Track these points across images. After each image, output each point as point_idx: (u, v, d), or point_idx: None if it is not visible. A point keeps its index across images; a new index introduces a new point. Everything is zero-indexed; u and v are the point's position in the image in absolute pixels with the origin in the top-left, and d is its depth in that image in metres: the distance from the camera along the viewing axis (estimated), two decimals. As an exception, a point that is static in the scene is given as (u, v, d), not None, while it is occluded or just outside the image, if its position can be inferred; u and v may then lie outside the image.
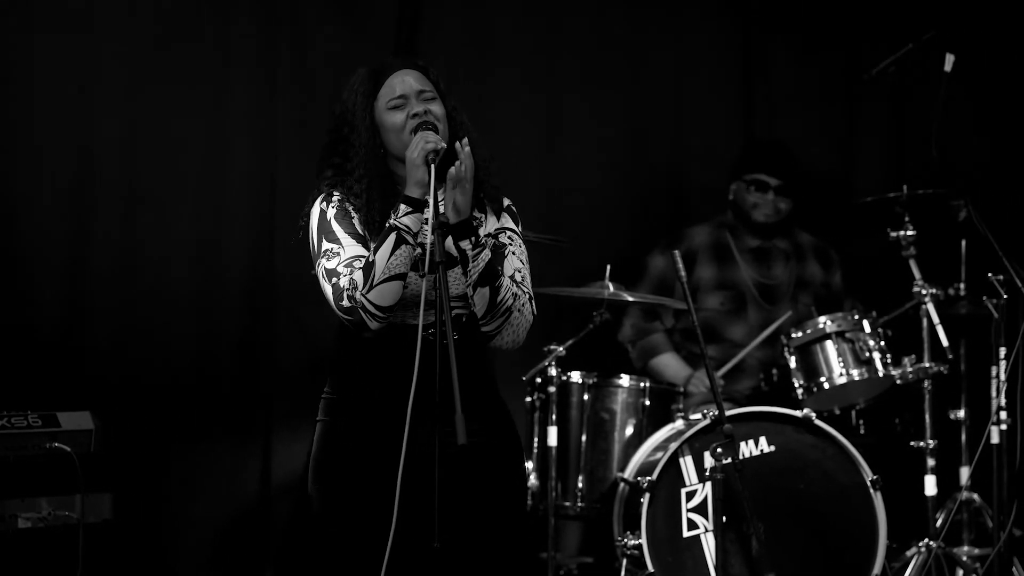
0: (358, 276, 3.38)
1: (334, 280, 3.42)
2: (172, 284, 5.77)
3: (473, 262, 3.46)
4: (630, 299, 5.33)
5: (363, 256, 3.43)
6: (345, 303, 3.39)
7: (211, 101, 5.82)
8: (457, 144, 3.40)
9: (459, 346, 3.32)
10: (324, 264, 3.45)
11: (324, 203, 3.53)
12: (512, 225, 3.64)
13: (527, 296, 3.56)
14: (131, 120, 5.74)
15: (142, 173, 5.75)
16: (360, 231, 3.49)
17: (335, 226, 3.49)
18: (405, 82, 3.56)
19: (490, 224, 3.60)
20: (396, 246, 3.37)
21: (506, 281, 3.51)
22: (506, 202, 3.66)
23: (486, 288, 3.47)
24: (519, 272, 3.57)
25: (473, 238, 3.47)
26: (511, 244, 3.59)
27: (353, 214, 3.51)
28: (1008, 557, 5.16)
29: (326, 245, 3.47)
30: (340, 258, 3.44)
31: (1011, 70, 6.47)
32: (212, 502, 5.81)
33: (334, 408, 3.56)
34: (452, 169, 3.39)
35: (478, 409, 3.42)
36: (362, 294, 3.37)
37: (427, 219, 3.37)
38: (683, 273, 4.81)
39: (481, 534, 3.49)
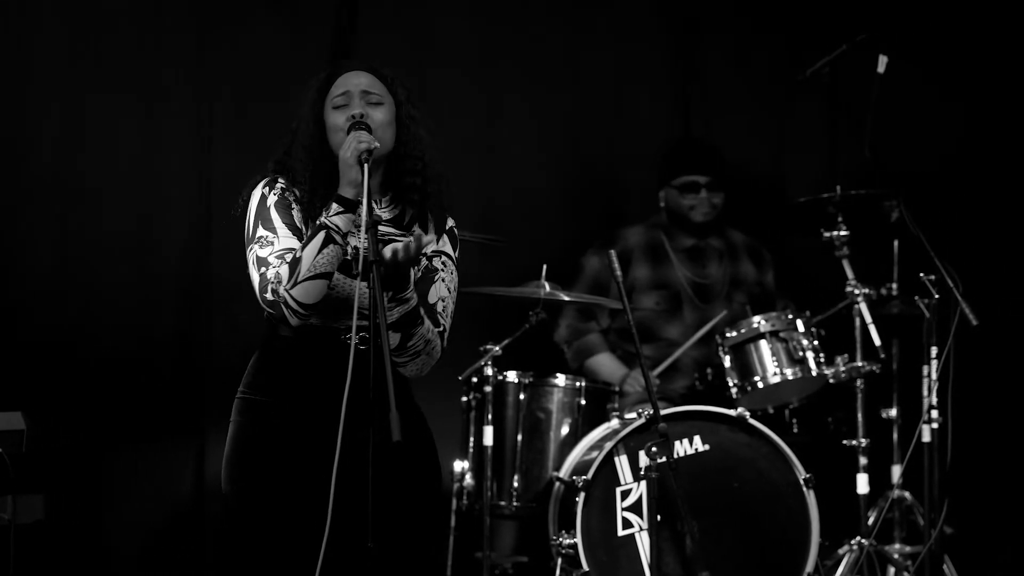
0: (284, 270, 3.39)
1: (263, 270, 3.43)
2: (107, 284, 5.74)
3: (388, 312, 3.43)
4: (566, 299, 5.34)
5: (295, 249, 3.43)
6: (268, 295, 3.40)
7: (147, 100, 5.80)
8: (413, 239, 3.33)
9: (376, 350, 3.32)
10: (256, 251, 3.46)
11: (267, 188, 3.54)
12: (450, 250, 3.66)
13: (440, 330, 3.58)
14: (66, 119, 5.71)
15: (76, 171, 5.72)
16: (298, 224, 3.49)
17: (273, 214, 3.49)
18: (353, 82, 3.57)
19: (439, 246, 3.63)
20: (324, 245, 3.37)
21: (420, 330, 3.50)
22: (449, 223, 3.68)
23: (398, 334, 3.48)
24: (442, 301, 3.60)
25: (391, 292, 3.42)
26: (443, 270, 3.62)
27: (294, 205, 3.51)
28: (939, 555, 5.20)
29: (261, 232, 3.48)
30: (273, 248, 3.45)
31: (943, 72, 6.54)
32: (147, 503, 5.78)
33: (252, 408, 3.54)
34: (398, 249, 3.32)
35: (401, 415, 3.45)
36: (285, 289, 3.38)
37: (357, 226, 3.37)
38: (619, 273, 4.82)
39: (394, 533, 3.47)
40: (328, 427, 3.30)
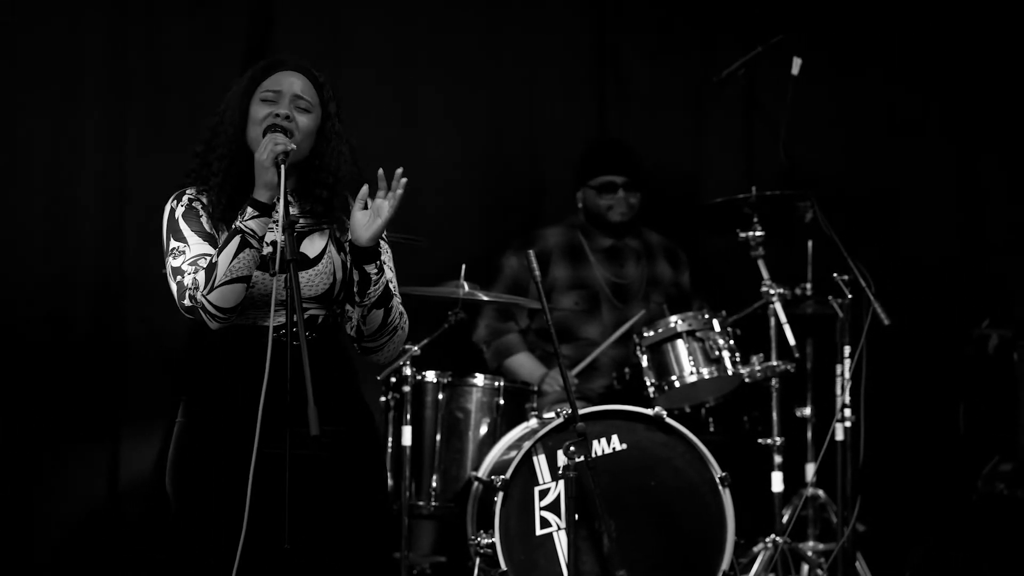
0: (200, 276, 3.38)
1: (178, 279, 3.42)
2: (18, 283, 5.68)
3: (375, 285, 3.48)
4: (485, 299, 5.34)
5: (208, 255, 3.42)
6: (187, 302, 3.39)
7: (59, 98, 5.74)
8: (396, 178, 3.43)
9: (317, 347, 3.33)
10: (171, 262, 3.45)
11: (175, 201, 3.52)
12: None
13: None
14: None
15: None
16: (208, 229, 3.48)
17: (182, 225, 3.48)
18: (287, 82, 3.53)
19: None
20: (239, 249, 3.36)
21: (395, 302, 3.55)
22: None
23: (380, 310, 3.51)
24: (391, 283, 3.61)
25: (377, 262, 3.48)
26: (382, 253, 3.60)
27: (201, 212, 3.50)
28: (852, 552, 5.27)
29: (173, 243, 3.47)
30: (185, 256, 3.44)
31: (857, 72, 6.62)
32: (60, 503, 5.74)
33: (191, 409, 3.53)
34: (385, 204, 3.42)
35: (338, 411, 3.44)
36: (203, 295, 3.37)
37: (275, 221, 3.37)
38: (537, 273, 4.83)
39: (337, 536, 3.48)
40: (264, 426, 3.29)
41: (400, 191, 3.43)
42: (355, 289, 3.49)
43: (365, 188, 3.44)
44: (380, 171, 3.43)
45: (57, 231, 5.73)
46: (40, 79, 5.71)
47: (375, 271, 3.47)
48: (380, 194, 3.45)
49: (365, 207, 3.45)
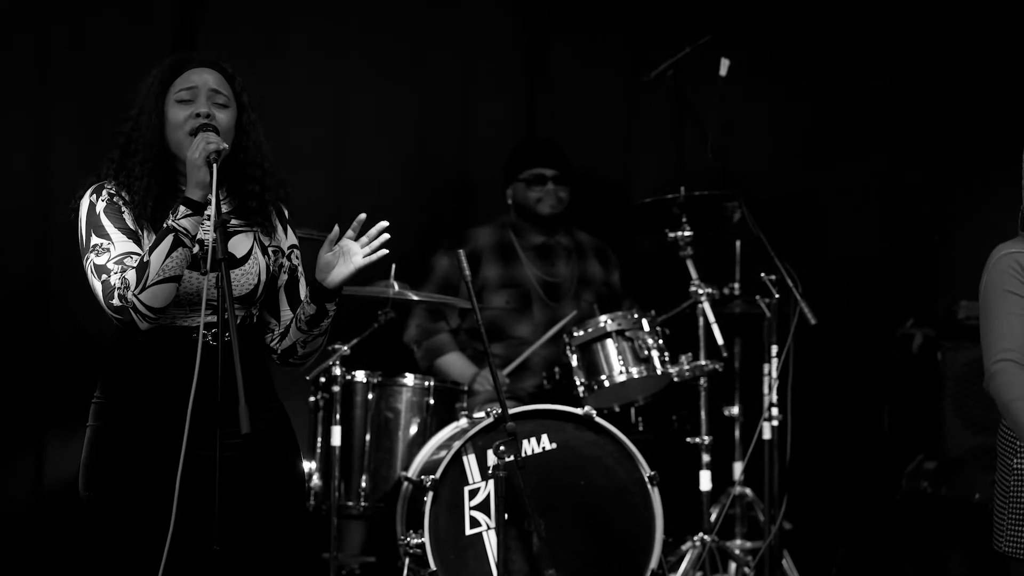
0: (130, 276, 3.33)
1: (104, 277, 3.36)
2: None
3: (329, 318, 3.55)
4: (415, 298, 5.34)
5: (134, 253, 3.38)
6: (115, 302, 3.33)
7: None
8: (379, 230, 3.51)
9: (239, 349, 3.30)
10: (93, 260, 3.38)
11: (94, 195, 3.46)
12: (295, 239, 3.68)
13: None
14: None
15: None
16: (131, 226, 3.43)
17: (104, 220, 3.42)
18: (200, 79, 3.50)
19: (288, 239, 3.66)
20: (173, 248, 3.32)
21: (327, 322, 3.58)
22: (286, 211, 3.69)
23: (323, 336, 3.60)
24: (303, 285, 3.65)
25: (337, 300, 3.53)
26: (299, 263, 3.65)
27: (124, 209, 3.44)
28: (778, 550, 5.32)
29: (95, 240, 3.40)
30: (110, 254, 3.38)
31: (784, 73, 6.67)
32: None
33: (106, 412, 3.47)
34: (357, 251, 3.49)
35: (258, 413, 3.41)
36: (134, 294, 3.32)
37: (207, 219, 3.35)
38: (468, 272, 4.83)
39: (261, 536, 3.47)
40: (191, 427, 3.27)
41: (379, 245, 3.50)
42: (304, 319, 3.55)
43: (336, 230, 3.48)
44: (362, 216, 3.53)
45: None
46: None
47: (333, 308, 3.53)
48: (350, 235, 3.50)
49: (331, 248, 3.49)
